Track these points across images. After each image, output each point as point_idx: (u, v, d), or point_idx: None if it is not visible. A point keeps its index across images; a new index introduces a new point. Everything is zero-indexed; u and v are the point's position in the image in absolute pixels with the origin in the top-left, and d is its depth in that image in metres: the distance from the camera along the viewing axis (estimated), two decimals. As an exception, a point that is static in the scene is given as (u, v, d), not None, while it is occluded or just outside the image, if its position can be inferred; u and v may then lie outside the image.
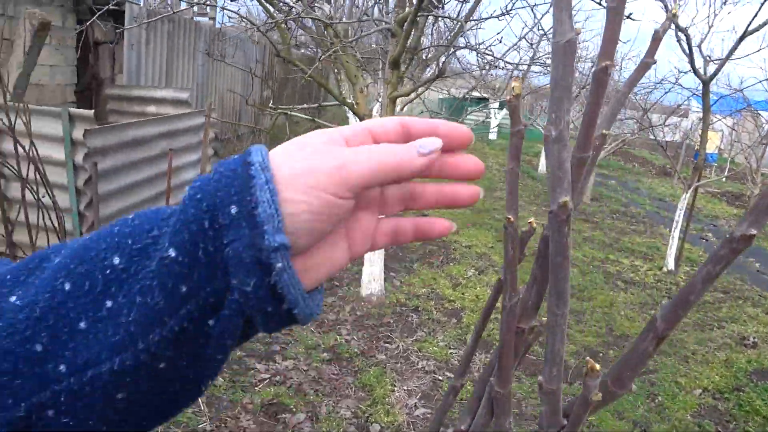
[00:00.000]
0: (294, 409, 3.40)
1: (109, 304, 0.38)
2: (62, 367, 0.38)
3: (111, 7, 7.15)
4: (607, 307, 5.67)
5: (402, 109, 8.28)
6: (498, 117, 18.09)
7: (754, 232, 0.45)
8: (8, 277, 0.41)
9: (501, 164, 15.01)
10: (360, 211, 0.47)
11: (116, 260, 0.39)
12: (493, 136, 18.44)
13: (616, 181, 14.52)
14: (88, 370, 0.38)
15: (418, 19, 4.47)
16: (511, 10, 4.26)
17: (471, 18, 4.75)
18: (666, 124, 10.06)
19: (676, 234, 6.90)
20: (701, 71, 6.48)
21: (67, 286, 0.39)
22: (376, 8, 5.89)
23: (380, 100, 5.71)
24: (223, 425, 3.19)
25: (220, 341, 0.39)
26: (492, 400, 0.60)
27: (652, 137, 9.28)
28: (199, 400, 3.32)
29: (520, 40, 5.07)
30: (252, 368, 3.77)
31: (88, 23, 4.64)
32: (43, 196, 3.19)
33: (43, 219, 3.19)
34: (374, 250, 0.50)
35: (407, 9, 4.25)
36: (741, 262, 7.86)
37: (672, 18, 0.54)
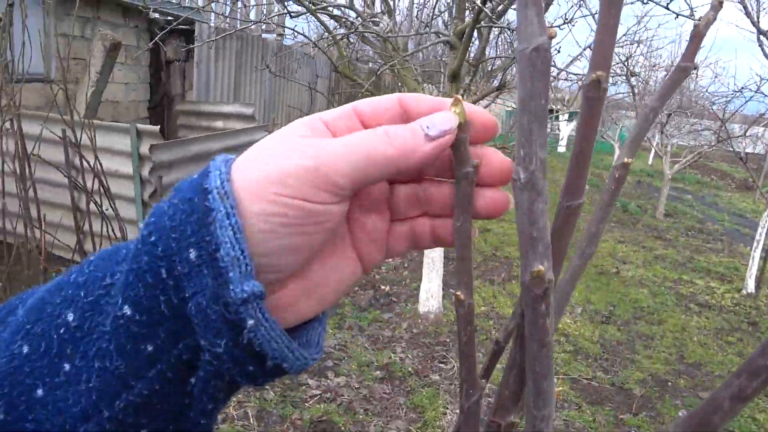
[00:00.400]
0: (343, 428, 3.35)
1: (66, 367, 0.33)
2: None
3: (181, 27, 7.43)
4: (679, 331, 5.35)
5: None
6: (568, 128, 17.69)
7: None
8: None
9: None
10: (364, 214, 0.40)
11: (70, 317, 0.34)
12: (562, 149, 18.03)
13: (692, 196, 13.83)
14: None
15: (481, 30, 4.39)
16: (572, 19, 4.11)
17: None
18: (747, 134, 9.48)
19: (757, 254, 6.45)
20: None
21: (25, 349, 0.34)
22: (439, 20, 5.85)
23: (440, 113, 5.64)
24: (272, 442, 3.18)
25: (199, 404, 0.34)
26: None
27: (731, 149, 8.77)
28: (249, 413, 3.33)
29: (585, 49, 4.89)
30: (304, 384, 3.75)
31: (151, 43, 4.80)
32: (107, 209, 3.30)
33: (109, 229, 3.30)
34: (394, 257, 0.43)
35: (466, 21, 4.18)
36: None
37: (718, 8, 0.42)
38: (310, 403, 3.56)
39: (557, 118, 14.64)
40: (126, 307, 0.32)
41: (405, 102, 0.38)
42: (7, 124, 3.06)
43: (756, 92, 8.03)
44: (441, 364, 4.27)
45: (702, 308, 6.07)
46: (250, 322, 0.31)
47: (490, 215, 0.40)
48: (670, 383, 4.38)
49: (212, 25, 7.28)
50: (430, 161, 0.36)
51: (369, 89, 4.40)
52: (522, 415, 0.45)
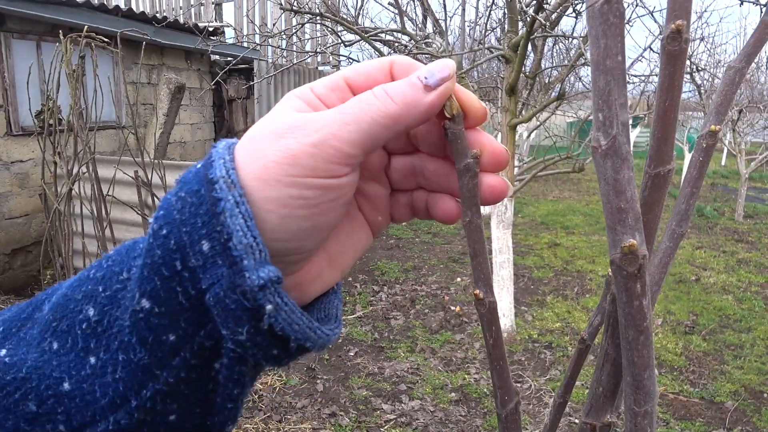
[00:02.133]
0: (421, 453, 3.30)
1: (92, 361, 0.34)
2: (61, 427, 0.34)
3: (241, 66, 7.71)
4: (772, 338, 5.02)
5: (529, 137, 8.05)
6: (633, 134, 17.18)
7: None
8: (2, 328, 0.37)
9: (639, 185, 14.09)
10: (366, 183, 0.40)
11: (90, 312, 0.35)
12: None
13: (774, 195, 13.07)
14: (84, 430, 0.34)
15: (535, 42, 4.33)
16: (630, 18, 3.99)
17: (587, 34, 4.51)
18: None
19: None
20: None
21: (55, 345, 0.35)
22: (492, 36, 5.82)
23: (499, 128, 5.58)
24: (350, 469, 3.16)
25: (225, 390, 0.34)
26: None
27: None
28: (327, 442, 3.32)
29: (645, 50, 4.73)
30: (378, 408, 3.72)
31: (213, 83, 4.98)
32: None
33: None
34: (398, 223, 0.43)
35: (520, 33, 4.14)
36: None
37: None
38: (385, 428, 3.52)
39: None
40: (144, 300, 0.32)
41: (398, 64, 0.37)
42: (83, 168, 3.23)
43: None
44: (517, 383, 4.15)
45: (795, 313, 5.68)
46: (269, 307, 0.31)
47: (488, 202, 0.39)
48: (765, 394, 4.09)
49: (270, 61, 7.52)
50: (435, 112, 0.35)
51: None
52: (619, 414, 0.42)
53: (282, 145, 0.32)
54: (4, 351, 0.35)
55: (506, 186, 0.39)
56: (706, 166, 0.44)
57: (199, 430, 0.36)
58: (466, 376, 4.18)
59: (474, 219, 0.37)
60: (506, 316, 4.89)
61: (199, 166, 0.33)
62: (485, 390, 3.99)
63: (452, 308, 5.37)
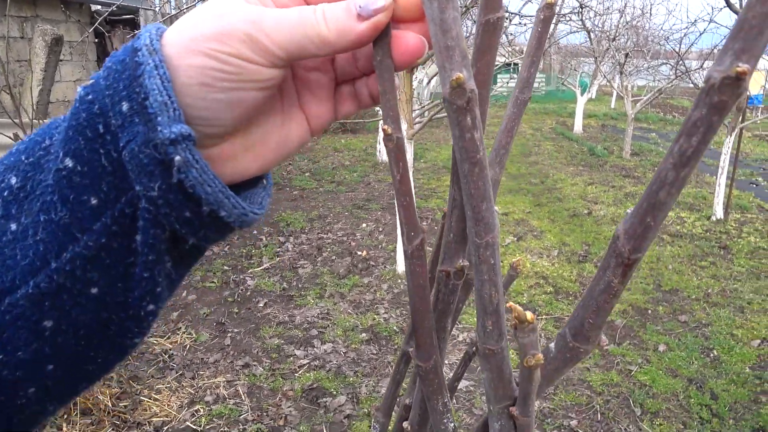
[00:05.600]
0: (334, 392, 3.38)
1: (13, 227, 0.34)
2: None
3: (126, 17, 7.23)
4: (654, 262, 5.47)
5: (429, 83, 8.13)
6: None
7: (742, 68, 0.28)
8: None
9: (535, 128, 14.67)
10: (309, 72, 0.41)
11: (13, 180, 0.35)
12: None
13: (656, 134, 14.01)
14: (4, 297, 0.34)
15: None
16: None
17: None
18: (704, 67, 9.59)
19: (722, 180, 6.58)
20: (736, 5, 6.12)
21: None
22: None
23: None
24: (264, 414, 3.20)
25: (142, 257, 0.34)
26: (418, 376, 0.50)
27: (690, 83, 8.87)
28: (240, 390, 3.34)
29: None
30: (291, 355, 3.77)
31: (91, 29, 4.66)
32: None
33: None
34: (342, 118, 0.44)
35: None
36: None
37: None
38: (299, 372, 3.58)
39: (516, 70, 14.62)
40: (67, 159, 0.33)
41: None
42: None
43: (709, 22, 8.11)
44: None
45: (674, 238, 6.20)
46: (178, 158, 0.32)
47: (405, 60, 0.39)
48: (650, 311, 4.48)
49: (157, 9, 7.08)
50: (365, 42, 0.36)
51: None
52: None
53: (215, 23, 0.34)
54: None
55: (423, 43, 0.39)
56: (544, 37, 0.47)
57: (120, 309, 0.36)
58: (375, 316, 4.29)
59: (384, 59, 0.38)
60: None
61: (127, 44, 0.34)
62: (395, 328, 4.12)
63: (359, 253, 5.45)
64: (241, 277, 4.91)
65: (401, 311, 4.41)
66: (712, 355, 3.90)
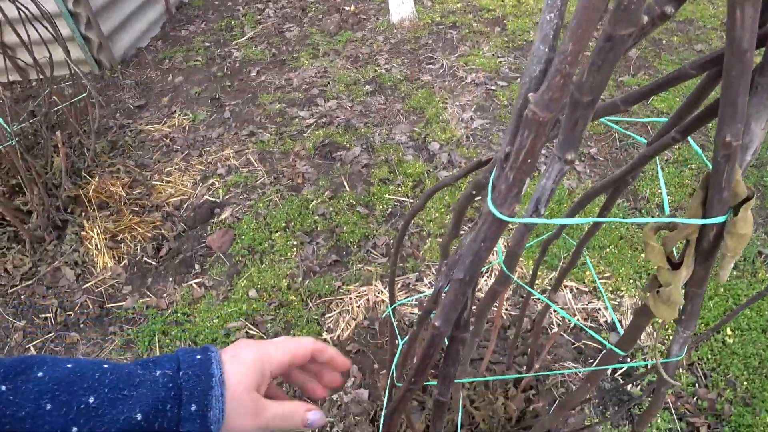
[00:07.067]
0: (348, 145, 3.27)
1: (74, 430, 0.49)
2: None
3: None
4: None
5: None
6: None
7: None
8: (2, 370, 0.49)
9: None
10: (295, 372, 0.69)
11: (91, 399, 0.50)
12: None
13: None
14: None
15: None
16: None
17: None
18: None
19: None
20: None
21: (48, 406, 0.48)
22: None
23: None
24: (281, 175, 3.12)
25: None
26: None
27: None
28: (251, 158, 3.23)
29: None
30: (295, 117, 3.60)
31: None
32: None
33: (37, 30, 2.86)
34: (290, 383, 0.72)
35: None
36: None
37: None
38: (308, 132, 3.44)
39: None
40: (139, 414, 0.51)
41: (316, 351, 0.65)
42: None
43: None
44: (429, 66, 4.07)
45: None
46: None
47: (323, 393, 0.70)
48: (664, 41, 4.19)
49: None
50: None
51: None
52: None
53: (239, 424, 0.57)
54: (4, 387, 0.48)
55: (342, 381, 0.72)
56: None
57: None
58: (376, 68, 4.04)
59: None
60: (406, 3, 4.61)
61: (199, 357, 0.56)
62: (399, 77, 3.90)
63: (347, 8, 5.00)
64: (226, 50, 4.56)
65: (402, 60, 4.14)
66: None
